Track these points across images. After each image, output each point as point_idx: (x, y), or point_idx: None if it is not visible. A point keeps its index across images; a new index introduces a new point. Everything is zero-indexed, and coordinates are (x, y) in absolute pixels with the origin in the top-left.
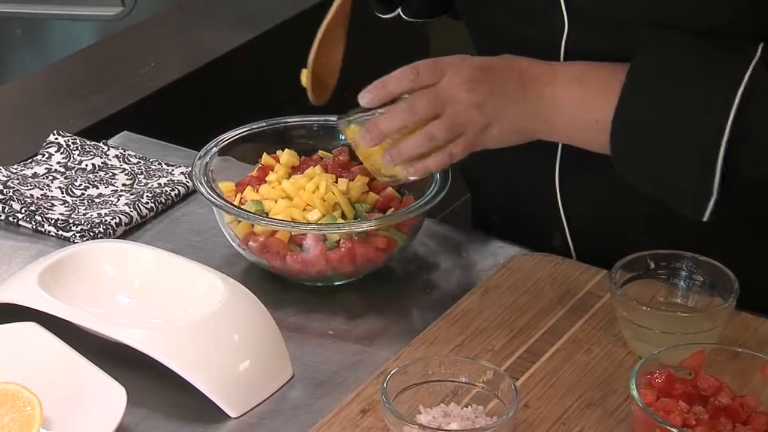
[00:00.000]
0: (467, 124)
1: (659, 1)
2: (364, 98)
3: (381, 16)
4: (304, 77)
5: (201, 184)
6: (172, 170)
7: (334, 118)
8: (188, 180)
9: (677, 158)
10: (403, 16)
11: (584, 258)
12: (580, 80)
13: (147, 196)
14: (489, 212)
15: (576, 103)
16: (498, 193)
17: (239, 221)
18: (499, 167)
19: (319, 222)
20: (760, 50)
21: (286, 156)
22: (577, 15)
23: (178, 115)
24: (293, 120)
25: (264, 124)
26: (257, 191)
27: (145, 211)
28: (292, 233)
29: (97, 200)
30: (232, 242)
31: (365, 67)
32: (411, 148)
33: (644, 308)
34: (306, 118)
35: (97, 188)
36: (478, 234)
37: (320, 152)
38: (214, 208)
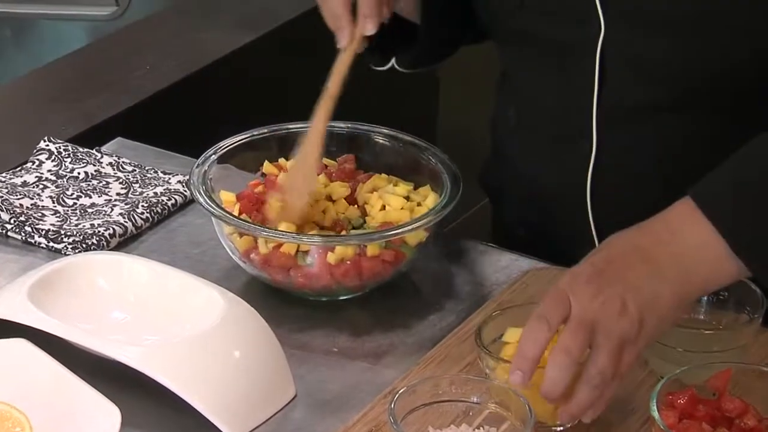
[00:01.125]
0: (623, 337)
1: None
2: (517, 380)
3: (376, 68)
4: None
5: (199, 193)
6: (169, 179)
7: (339, 124)
8: (186, 189)
9: None
10: (397, 67)
11: None
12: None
13: (142, 205)
14: (514, 225)
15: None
16: (523, 204)
17: (240, 233)
18: (524, 178)
19: (324, 234)
20: None
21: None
22: (614, 15)
23: (175, 120)
24: (296, 126)
25: (266, 130)
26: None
27: (140, 222)
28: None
29: (89, 210)
30: (232, 255)
31: (370, 88)
32: (586, 399)
33: None
34: (309, 124)
35: (90, 197)
36: (490, 246)
37: (324, 160)
38: (213, 218)
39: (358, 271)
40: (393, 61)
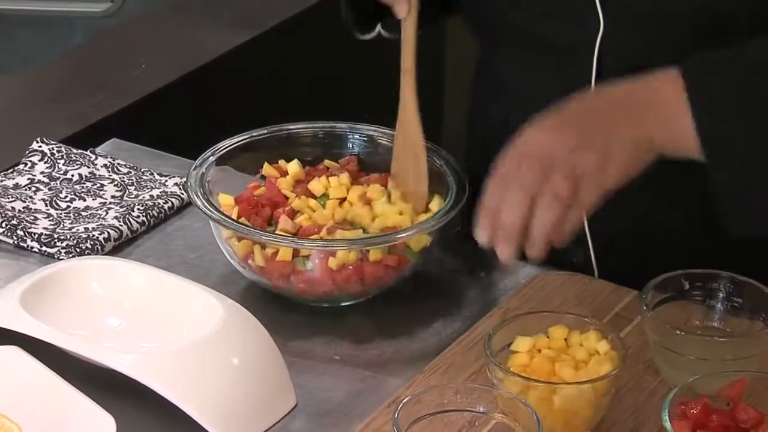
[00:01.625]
0: (582, 167)
1: None
2: (482, 237)
3: (360, 37)
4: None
5: (197, 196)
6: (166, 181)
7: (341, 124)
8: (183, 192)
9: None
10: (383, 33)
11: (607, 276)
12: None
13: (138, 209)
14: None
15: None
16: None
17: (239, 237)
18: None
19: (324, 237)
20: None
21: (294, 167)
22: (613, 14)
23: (172, 121)
24: (297, 126)
25: (265, 131)
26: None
27: (136, 226)
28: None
29: (83, 213)
30: (230, 259)
31: (374, 87)
32: (544, 218)
33: (678, 332)
34: (311, 125)
35: (84, 200)
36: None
37: (326, 162)
38: (211, 222)
39: (361, 276)
40: (378, 28)
